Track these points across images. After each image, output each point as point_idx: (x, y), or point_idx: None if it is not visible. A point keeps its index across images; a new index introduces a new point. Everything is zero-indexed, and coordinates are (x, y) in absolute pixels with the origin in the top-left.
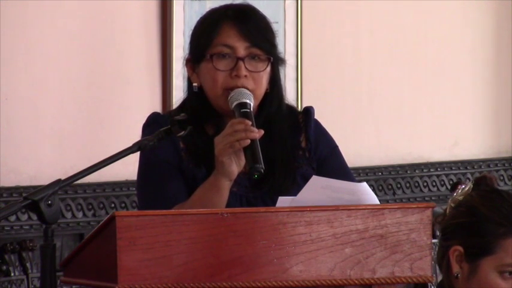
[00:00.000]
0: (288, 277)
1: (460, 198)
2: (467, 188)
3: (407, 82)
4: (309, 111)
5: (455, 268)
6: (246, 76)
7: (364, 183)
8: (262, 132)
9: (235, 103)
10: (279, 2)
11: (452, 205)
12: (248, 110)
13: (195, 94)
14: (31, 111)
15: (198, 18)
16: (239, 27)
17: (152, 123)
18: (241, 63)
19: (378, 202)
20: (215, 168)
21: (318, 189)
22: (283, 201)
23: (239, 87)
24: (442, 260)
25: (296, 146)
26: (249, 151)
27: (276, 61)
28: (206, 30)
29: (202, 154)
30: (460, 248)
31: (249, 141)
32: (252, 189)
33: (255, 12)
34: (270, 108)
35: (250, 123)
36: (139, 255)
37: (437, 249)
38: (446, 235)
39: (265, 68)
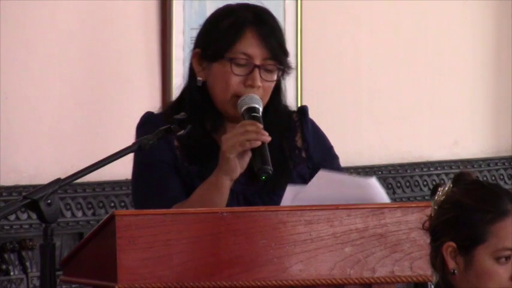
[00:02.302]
0: (287, 276)
1: (442, 198)
2: (447, 188)
3: (407, 81)
4: (304, 110)
5: (451, 264)
6: (259, 87)
7: (373, 179)
8: (270, 138)
9: (245, 107)
10: (279, 1)
11: (436, 207)
12: (258, 115)
13: (197, 88)
14: (31, 111)
15: (198, 18)
16: (259, 36)
17: (146, 122)
18: (257, 71)
19: (386, 197)
20: (218, 165)
21: (326, 183)
22: (291, 190)
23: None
24: (435, 260)
25: (292, 145)
26: (258, 153)
27: (284, 71)
28: (227, 33)
29: (197, 150)
30: (452, 244)
31: (259, 142)
32: (248, 186)
33: (272, 17)
34: (271, 113)
35: (261, 126)
36: (138, 255)
37: (429, 252)
38: (436, 235)
39: (276, 79)
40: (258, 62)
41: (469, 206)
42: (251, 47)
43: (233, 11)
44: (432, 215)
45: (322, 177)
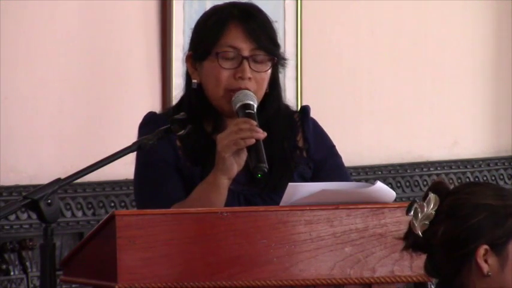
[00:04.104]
0: (287, 276)
1: (433, 212)
2: (434, 201)
3: (407, 81)
4: (305, 110)
5: (486, 268)
6: (249, 78)
7: (378, 182)
8: (265, 134)
9: (239, 104)
10: (279, 1)
11: (427, 222)
12: (252, 112)
13: (194, 91)
14: (31, 111)
15: (198, 17)
16: (245, 28)
17: (149, 123)
18: (246, 63)
19: (392, 195)
20: (215, 165)
21: (330, 195)
22: (291, 187)
23: (242, 89)
24: (461, 269)
25: (293, 145)
26: (254, 150)
27: (277, 61)
28: (212, 29)
29: (199, 151)
30: (486, 246)
31: (254, 140)
32: (249, 186)
33: (260, 12)
34: (270, 109)
35: (255, 123)
36: (139, 254)
37: (441, 267)
38: (460, 244)
39: (268, 69)
40: (246, 53)
41: (492, 205)
42: (236, 39)
43: (219, 9)
44: (420, 231)
45: (325, 193)
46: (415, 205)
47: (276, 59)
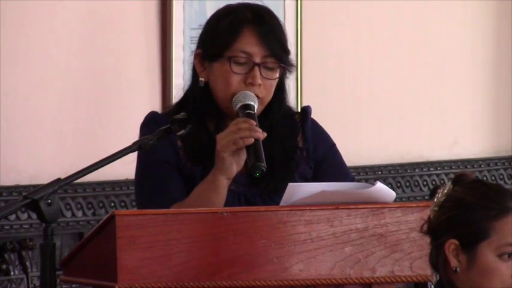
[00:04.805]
0: (287, 276)
1: (442, 199)
2: (447, 189)
3: (407, 81)
4: (306, 110)
5: (453, 262)
6: (259, 85)
7: (378, 183)
8: (265, 134)
9: (239, 104)
10: (279, 1)
11: (436, 209)
12: (252, 112)
13: (199, 89)
14: (31, 111)
15: (198, 17)
16: (258, 34)
17: (150, 122)
18: (257, 69)
19: (392, 195)
20: (215, 164)
21: (329, 196)
22: (291, 187)
23: None
24: (437, 259)
25: (294, 145)
26: (252, 150)
27: (286, 68)
28: (226, 32)
29: (200, 151)
30: (455, 241)
31: (252, 140)
32: (250, 187)
33: (272, 16)
34: (275, 113)
35: (254, 123)
36: (139, 254)
37: (429, 252)
38: (437, 234)
39: (278, 77)
40: (257, 60)
41: (472, 203)
42: (250, 45)
43: (232, 11)
44: (431, 216)
45: (325, 194)
46: (437, 191)
47: (285, 66)
